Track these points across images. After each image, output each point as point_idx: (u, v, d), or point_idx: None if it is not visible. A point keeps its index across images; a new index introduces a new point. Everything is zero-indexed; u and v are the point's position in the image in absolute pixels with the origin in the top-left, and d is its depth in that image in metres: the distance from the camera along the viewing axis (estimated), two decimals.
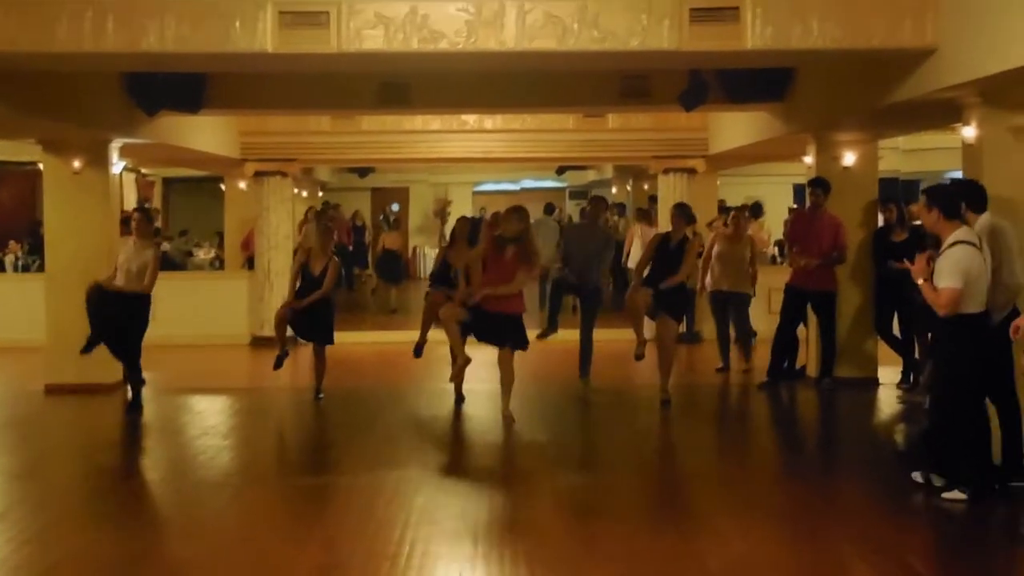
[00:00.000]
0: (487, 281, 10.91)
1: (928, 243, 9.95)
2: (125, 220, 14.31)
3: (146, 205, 22.54)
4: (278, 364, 12.32)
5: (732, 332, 14.49)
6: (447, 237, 15.70)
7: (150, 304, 12.07)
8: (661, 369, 12.06)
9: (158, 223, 23.50)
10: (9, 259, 20.82)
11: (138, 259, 11.84)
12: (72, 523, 8.02)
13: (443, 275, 12.35)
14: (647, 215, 19.37)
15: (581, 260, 12.79)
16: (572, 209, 32.34)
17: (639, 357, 12.23)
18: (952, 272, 7.84)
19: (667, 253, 11.92)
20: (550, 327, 13.07)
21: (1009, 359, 8.26)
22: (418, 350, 12.62)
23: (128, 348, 11.96)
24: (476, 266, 11.05)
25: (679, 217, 12.18)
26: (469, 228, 12.72)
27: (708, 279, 14.34)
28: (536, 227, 21.59)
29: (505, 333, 10.99)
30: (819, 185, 12.95)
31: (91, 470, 10.01)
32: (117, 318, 11.74)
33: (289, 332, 12.28)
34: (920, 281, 8.03)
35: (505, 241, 10.93)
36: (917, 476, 8.40)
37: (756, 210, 18.09)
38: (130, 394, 12.13)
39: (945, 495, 8.03)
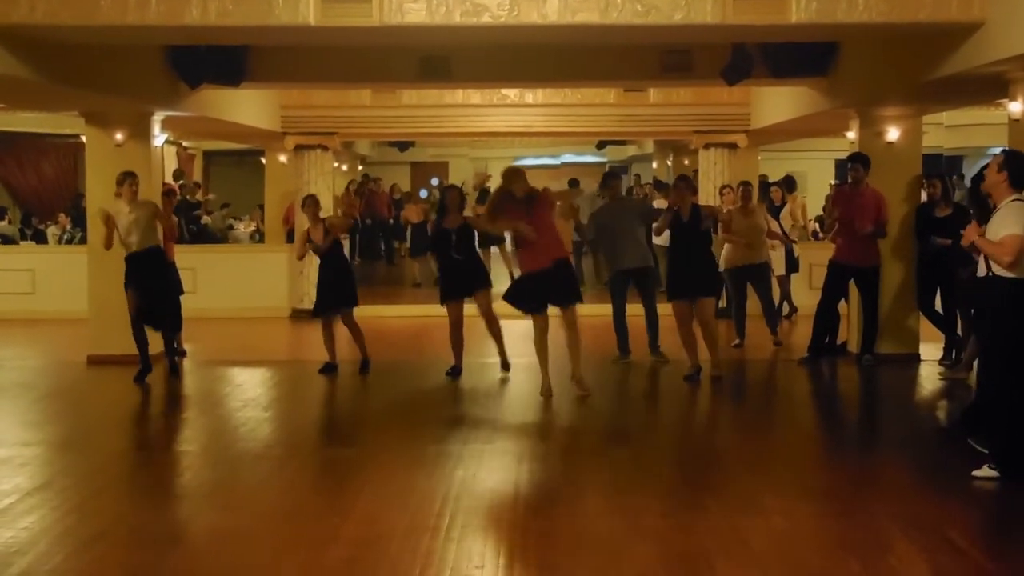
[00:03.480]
0: (534, 242, 10.89)
1: (970, 219, 9.84)
2: (167, 193, 14.36)
3: (182, 182, 22.59)
4: (326, 370, 12.57)
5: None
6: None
7: (173, 263, 12.75)
8: (708, 344, 12.12)
9: (199, 196, 23.62)
10: (51, 231, 20.96)
11: (142, 214, 12.06)
12: (115, 494, 8.10)
13: (444, 242, 12.26)
14: (666, 188, 19.30)
15: (619, 241, 12.73)
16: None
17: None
18: (1017, 221, 7.64)
19: (682, 225, 11.91)
20: (623, 352, 13.16)
21: None
22: (456, 372, 12.34)
23: (171, 311, 12.43)
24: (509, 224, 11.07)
25: (684, 190, 12.17)
26: (459, 197, 12.66)
27: (723, 255, 14.18)
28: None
29: (565, 284, 10.98)
30: (859, 160, 12.81)
31: (133, 441, 10.13)
32: (151, 281, 12.14)
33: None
34: (975, 238, 7.86)
35: (519, 201, 10.89)
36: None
37: (789, 184, 17.95)
38: (167, 362, 12.39)
39: (975, 473, 7.91)
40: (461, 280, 12.12)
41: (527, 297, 11.04)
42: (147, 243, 12.09)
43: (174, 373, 12.34)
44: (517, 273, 11.55)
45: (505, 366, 12.40)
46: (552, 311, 10.98)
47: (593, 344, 13.50)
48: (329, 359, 12.58)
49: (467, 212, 13.05)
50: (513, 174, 11.14)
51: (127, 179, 12.07)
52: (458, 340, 12.29)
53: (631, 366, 12.97)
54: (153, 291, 12.18)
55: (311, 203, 12.66)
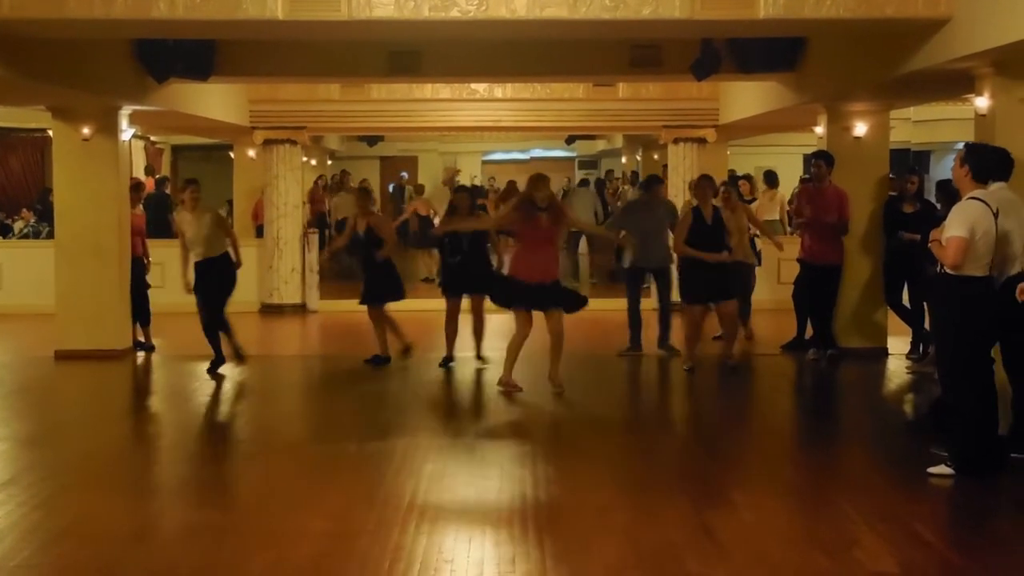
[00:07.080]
0: (528, 246, 10.89)
1: (938, 216, 9.89)
2: (135, 187, 14.28)
3: (158, 176, 22.47)
4: (374, 361, 12.67)
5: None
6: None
7: (140, 257, 12.71)
8: (727, 340, 12.48)
9: (167, 190, 23.47)
10: (18, 226, 20.81)
11: (205, 223, 12.07)
12: (82, 489, 8.05)
13: (455, 244, 12.33)
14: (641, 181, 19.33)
15: (647, 240, 12.83)
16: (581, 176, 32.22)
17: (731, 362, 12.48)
18: (959, 222, 7.69)
19: (706, 229, 11.92)
20: (634, 345, 13.20)
21: (1020, 326, 8.14)
22: (447, 362, 12.51)
23: (218, 309, 12.42)
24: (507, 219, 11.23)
25: (707, 188, 12.19)
26: (469, 200, 12.71)
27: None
28: (570, 197, 21.58)
29: (551, 298, 10.96)
30: (821, 157, 12.88)
31: (101, 436, 10.03)
32: (213, 284, 12.21)
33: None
34: (931, 243, 7.96)
35: (537, 208, 10.85)
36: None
37: (770, 179, 17.99)
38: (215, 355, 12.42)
39: (931, 470, 7.93)
40: (466, 278, 12.26)
41: (517, 299, 11.00)
42: (211, 252, 12.08)
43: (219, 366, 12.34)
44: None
45: (480, 358, 12.53)
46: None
47: (594, 339, 13.49)
48: (379, 351, 12.72)
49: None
50: (537, 181, 11.07)
51: (188, 187, 12.22)
52: (452, 331, 12.47)
53: (627, 360, 12.98)
54: (208, 295, 12.26)
55: (364, 196, 12.97)
